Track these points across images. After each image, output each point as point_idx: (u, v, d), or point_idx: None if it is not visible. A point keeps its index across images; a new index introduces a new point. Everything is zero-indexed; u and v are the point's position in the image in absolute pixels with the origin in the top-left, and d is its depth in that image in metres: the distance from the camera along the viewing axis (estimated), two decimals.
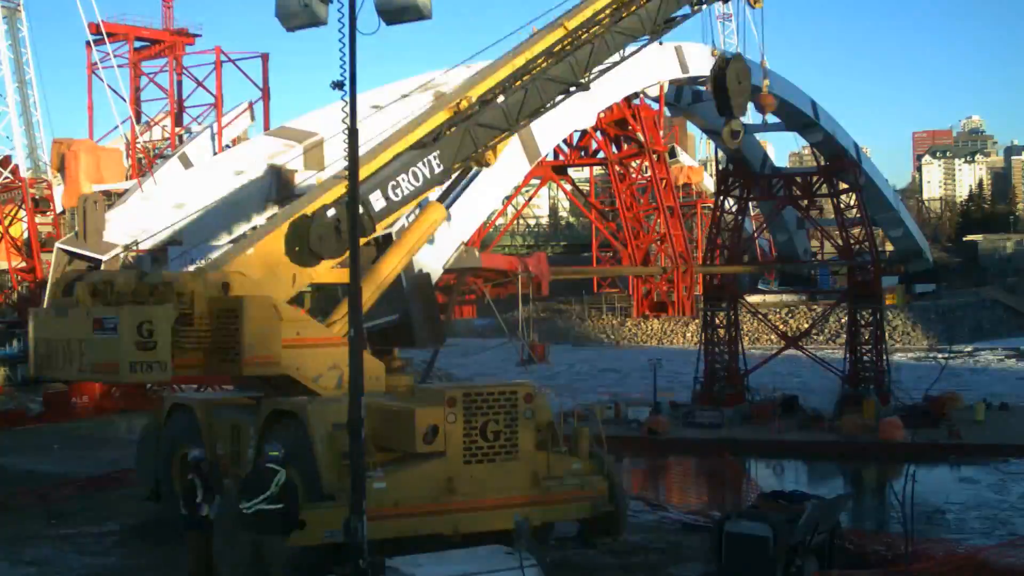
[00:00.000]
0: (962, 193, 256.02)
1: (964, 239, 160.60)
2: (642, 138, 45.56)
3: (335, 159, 37.80)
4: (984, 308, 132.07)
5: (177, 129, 76.23)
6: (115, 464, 27.45)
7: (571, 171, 51.13)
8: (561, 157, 46.99)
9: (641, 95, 46.89)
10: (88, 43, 77.44)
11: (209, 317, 17.56)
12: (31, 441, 30.58)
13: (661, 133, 47.93)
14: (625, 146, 46.61)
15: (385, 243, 30.01)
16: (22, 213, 52.88)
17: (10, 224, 51.59)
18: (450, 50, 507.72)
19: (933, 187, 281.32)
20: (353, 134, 13.90)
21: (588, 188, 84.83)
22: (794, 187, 67.85)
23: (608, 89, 43.00)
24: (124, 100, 77.57)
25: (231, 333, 17.38)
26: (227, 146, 64.96)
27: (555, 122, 40.38)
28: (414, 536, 15.49)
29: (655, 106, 47.64)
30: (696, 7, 22.86)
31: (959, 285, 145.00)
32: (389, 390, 18.79)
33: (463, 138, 20.68)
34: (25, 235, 52.83)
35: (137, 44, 77.69)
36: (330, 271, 19.30)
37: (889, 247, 78.48)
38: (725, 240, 67.08)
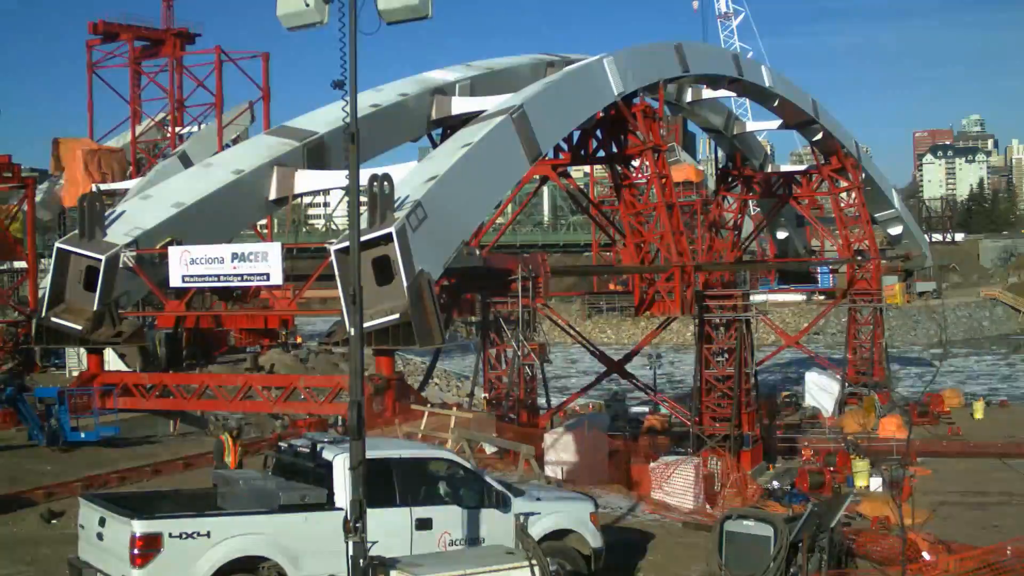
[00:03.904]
0: (963, 192, 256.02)
1: (966, 238, 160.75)
2: (642, 137, 45.50)
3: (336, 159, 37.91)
4: (984, 307, 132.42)
5: (177, 129, 76.18)
6: (114, 464, 27.46)
7: (571, 170, 51.03)
8: (561, 156, 46.91)
9: (641, 94, 46.87)
10: (88, 43, 77.60)
11: None
12: (31, 441, 30.54)
13: (662, 132, 47.85)
14: (625, 145, 46.54)
15: (386, 241, 30.08)
16: None
17: None
18: (450, 50, 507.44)
19: (934, 186, 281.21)
20: (353, 134, 13.88)
21: (588, 187, 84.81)
22: (794, 185, 67.96)
23: (608, 88, 42.99)
24: (124, 100, 77.87)
25: None
26: (227, 146, 64.95)
27: (555, 121, 40.42)
28: None
29: (655, 104, 47.57)
30: None
31: (960, 284, 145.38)
32: None
33: None
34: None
35: (137, 44, 77.62)
36: None
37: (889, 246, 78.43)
38: (725, 238, 67.11)
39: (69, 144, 71.03)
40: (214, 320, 49.45)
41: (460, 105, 41.91)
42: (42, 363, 46.47)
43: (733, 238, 68.89)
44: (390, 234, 29.60)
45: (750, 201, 71.90)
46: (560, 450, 34.69)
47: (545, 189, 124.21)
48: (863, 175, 67.10)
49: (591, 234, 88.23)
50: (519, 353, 39.19)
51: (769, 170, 68.16)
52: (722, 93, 58.11)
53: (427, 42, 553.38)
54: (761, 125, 71.38)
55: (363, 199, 29.21)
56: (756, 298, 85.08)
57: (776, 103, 60.97)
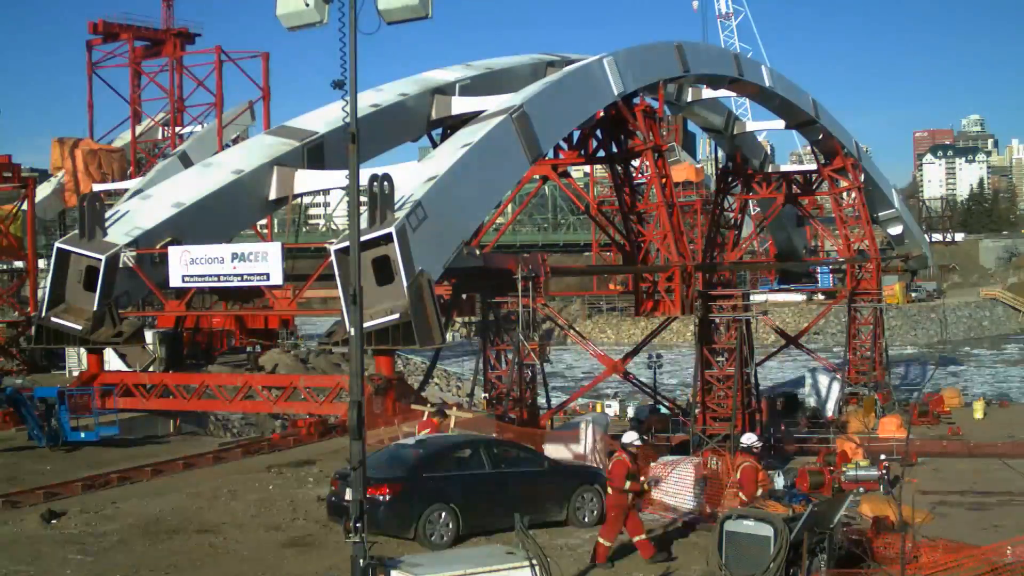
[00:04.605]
0: (963, 192, 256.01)
1: (966, 238, 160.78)
2: (642, 137, 45.47)
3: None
4: (984, 307, 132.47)
5: (177, 129, 76.24)
6: (114, 464, 27.49)
7: (571, 170, 50.97)
8: (561, 156, 46.88)
9: (641, 94, 46.83)
10: (88, 43, 77.68)
11: None
12: (31, 441, 30.57)
13: (663, 132, 47.80)
14: (626, 145, 46.51)
15: (386, 241, 30.09)
16: None
17: None
18: (450, 50, 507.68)
19: (934, 186, 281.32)
20: (353, 134, 13.89)
21: (588, 187, 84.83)
22: (794, 185, 67.93)
23: (608, 88, 42.97)
24: (125, 100, 77.91)
25: None
26: (227, 145, 64.98)
27: (555, 121, 40.40)
28: None
29: (655, 104, 47.54)
30: None
31: (960, 284, 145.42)
32: None
33: None
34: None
35: (137, 44, 77.71)
36: None
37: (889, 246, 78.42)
38: (725, 238, 67.11)
39: (69, 144, 71.09)
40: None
41: (460, 105, 41.90)
42: (46, 363, 46.48)
43: (733, 238, 68.87)
44: (390, 234, 29.61)
45: (750, 201, 71.85)
46: (560, 450, 34.65)
47: (545, 189, 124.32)
48: (863, 175, 67.07)
49: (591, 234, 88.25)
50: (519, 353, 39.15)
51: (769, 170, 68.10)
52: (722, 93, 58.07)
53: (427, 42, 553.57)
54: (761, 125, 71.33)
55: (363, 199, 29.22)
56: (756, 298, 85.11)
57: (776, 103, 60.95)
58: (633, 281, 47.41)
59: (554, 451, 31.44)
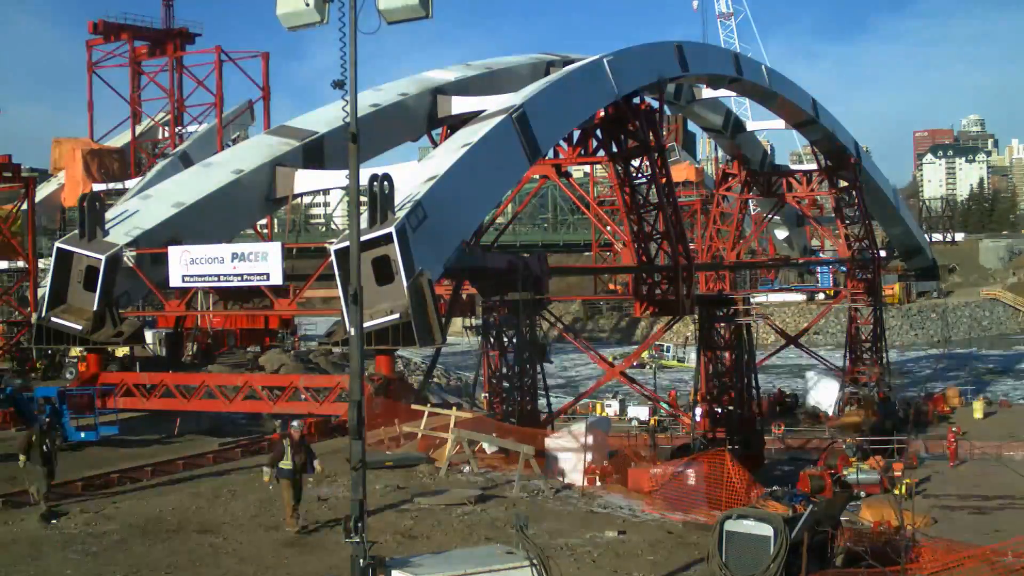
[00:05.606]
0: (963, 192, 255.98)
1: (966, 238, 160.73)
2: (642, 136, 45.48)
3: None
4: (985, 307, 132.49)
5: (177, 129, 76.29)
6: (114, 464, 27.49)
7: (571, 169, 50.99)
8: (561, 155, 46.90)
9: (641, 93, 46.84)
10: (88, 43, 77.72)
11: None
12: None
13: (663, 132, 47.80)
14: (626, 144, 46.53)
15: (386, 241, 30.08)
16: None
17: None
18: (450, 50, 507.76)
19: (934, 186, 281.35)
20: (353, 134, 13.89)
21: (588, 186, 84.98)
22: (795, 184, 68.02)
23: (608, 87, 42.98)
24: (125, 100, 77.96)
25: None
26: (227, 145, 65.00)
27: (555, 120, 40.39)
28: None
29: (655, 104, 47.57)
30: None
31: (960, 284, 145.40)
32: None
33: None
34: None
35: (137, 44, 77.78)
36: None
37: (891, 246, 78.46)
38: (725, 238, 67.19)
39: (69, 144, 71.17)
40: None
41: (460, 105, 41.87)
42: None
43: (733, 238, 68.94)
44: (390, 234, 29.58)
45: (750, 201, 71.92)
46: (561, 451, 34.65)
47: (546, 188, 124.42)
48: (863, 175, 67.12)
49: (591, 234, 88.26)
50: (520, 353, 39.17)
51: (769, 170, 68.18)
52: (722, 93, 58.10)
53: (427, 42, 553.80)
54: (761, 125, 71.39)
55: (363, 199, 29.21)
56: (756, 298, 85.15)
57: (776, 103, 60.97)
58: (633, 281, 47.42)
59: (555, 452, 31.56)
